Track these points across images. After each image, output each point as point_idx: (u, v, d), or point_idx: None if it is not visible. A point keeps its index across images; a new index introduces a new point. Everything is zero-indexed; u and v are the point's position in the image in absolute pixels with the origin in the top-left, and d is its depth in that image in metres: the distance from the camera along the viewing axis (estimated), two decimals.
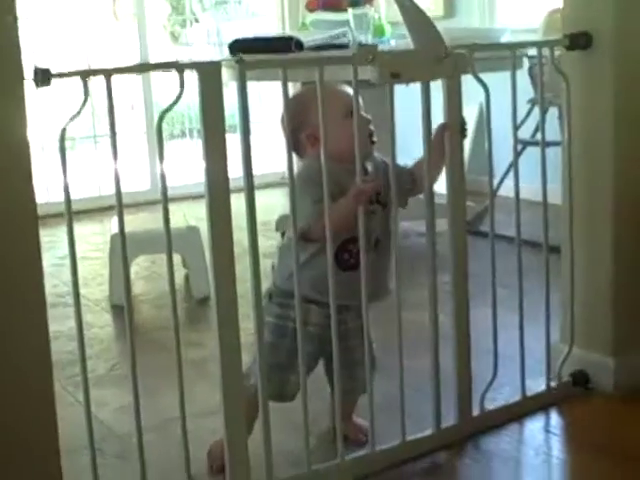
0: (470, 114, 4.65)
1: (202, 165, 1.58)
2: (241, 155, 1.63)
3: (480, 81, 1.93)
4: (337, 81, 1.83)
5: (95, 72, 1.49)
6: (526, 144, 3.75)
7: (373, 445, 1.84)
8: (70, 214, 1.50)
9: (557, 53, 2.16)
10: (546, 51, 2.10)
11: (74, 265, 1.53)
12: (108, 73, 1.47)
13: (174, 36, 8.46)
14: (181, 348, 2.54)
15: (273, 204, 4.21)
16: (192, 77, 1.55)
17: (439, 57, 1.75)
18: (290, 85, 4.25)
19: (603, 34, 2.05)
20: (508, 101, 2.08)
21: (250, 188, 1.63)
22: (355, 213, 1.73)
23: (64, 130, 1.45)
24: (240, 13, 6.74)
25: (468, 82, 2.03)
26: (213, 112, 1.56)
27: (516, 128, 2.07)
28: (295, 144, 1.84)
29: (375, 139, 1.84)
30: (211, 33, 7.72)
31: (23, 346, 1.49)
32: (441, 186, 1.91)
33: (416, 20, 1.79)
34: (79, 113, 1.43)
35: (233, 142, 1.61)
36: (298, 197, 1.71)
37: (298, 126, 1.80)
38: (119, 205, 1.55)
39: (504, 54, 2.12)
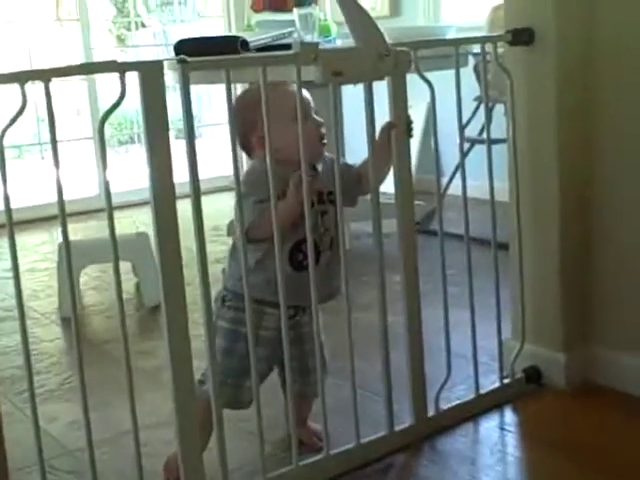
0: (418, 113, 4.70)
1: (146, 170, 1.55)
2: (187, 159, 1.60)
3: (424, 79, 1.93)
4: (288, 81, 1.81)
5: (32, 74, 1.44)
6: (474, 142, 3.78)
7: (328, 449, 1.82)
8: (11, 225, 1.45)
9: (501, 50, 2.17)
10: (490, 47, 2.10)
11: (17, 278, 1.49)
12: (46, 75, 1.42)
13: (120, 39, 8.36)
14: (133, 358, 2.50)
15: (223, 208, 4.16)
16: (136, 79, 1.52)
17: (381, 55, 1.73)
18: (238, 86, 4.26)
19: (545, 29, 2.06)
20: (455, 99, 2.08)
21: (196, 192, 1.60)
22: (298, 205, 1.71)
23: (1, 138, 1.41)
24: (186, 15, 6.69)
25: (416, 81, 2.04)
26: (156, 114, 1.52)
27: (462, 126, 2.08)
28: (246, 146, 1.84)
29: (325, 141, 1.83)
30: (157, 35, 7.65)
31: None
32: (390, 186, 1.90)
33: (357, 18, 1.77)
34: (14, 120, 1.39)
35: (182, 147, 1.59)
36: (243, 199, 1.69)
37: (248, 128, 1.78)
38: (61, 213, 1.51)
39: (449, 52, 2.13)
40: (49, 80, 1.43)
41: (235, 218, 1.75)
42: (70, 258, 1.54)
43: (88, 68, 1.48)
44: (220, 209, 4.18)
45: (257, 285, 1.74)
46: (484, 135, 3.64)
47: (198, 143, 1.63)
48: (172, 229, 1.58)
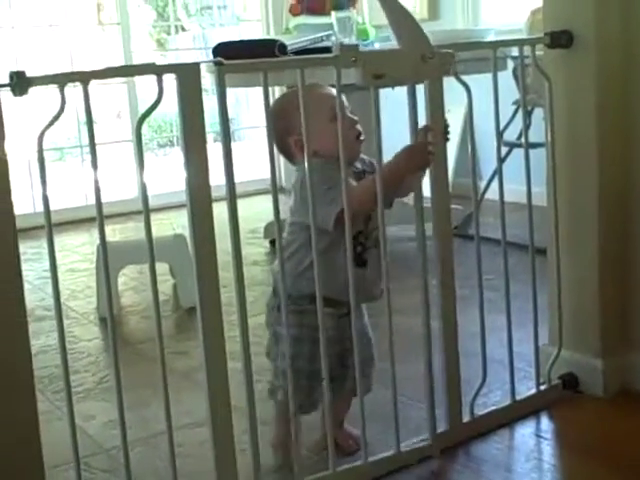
0: (457, 117, 4.67)
1: (183, 173, 1.57)
2: (223, 161, 1.61)
3: (461, 82, 1.91)
4: (323, 84, 1.82)
5: (71, 76, 1.46)
6: (512, 146, 3.74)
7: (366, 456, 1.81)
8: (50, 225, 1.47)
9: (540, 53, 2.16)
10: (528, 50, 2.08)
11: (55, 278, 1.51)
12: (85, 77, 1.44)
13: (160, 43, 8.44)
14: (169, 359, 2.53)
15: (260, 212, 4.19)
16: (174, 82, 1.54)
17: (424, 57, 1.71)
18: (277, 89, 4.28)
19: (584, 32, 2.04)
20: (493, 104, 2.06)
21: (232, 194, 1.61)
22: (408, 171, 1.75)
23: (41, 139, 1.43)
24: (226, 18, 6.73)
25: (454, 84, 2.02)
26: (193, 116, 1.53)
27: (499, 130, 2.05)
28: (285, 150, 1.84)
29: (363, 137, 1.82)
30: (197, 39, 7.71)
31: (4, 363, 1.47)
32: (427, 189, 1.90)
33: (400, 19, 1.74)
34: (53, 122, 1.41)
35: (219, 149, 1.60)
36: (316, 198, 1.68)
37: (285, 131, 1.79)
38: (99, 215, 1.53)
39: (487, 55, 2.11)
40: (88, 82, 1.44)
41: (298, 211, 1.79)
42: (107, 259, 1.55)
43: (126, 70, 1.49)
44: (258, 212, 4.21)
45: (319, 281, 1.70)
46: (522, 139, 3.65)
47: (236, 146, 1.64)
48: (208, 232, 1.58)
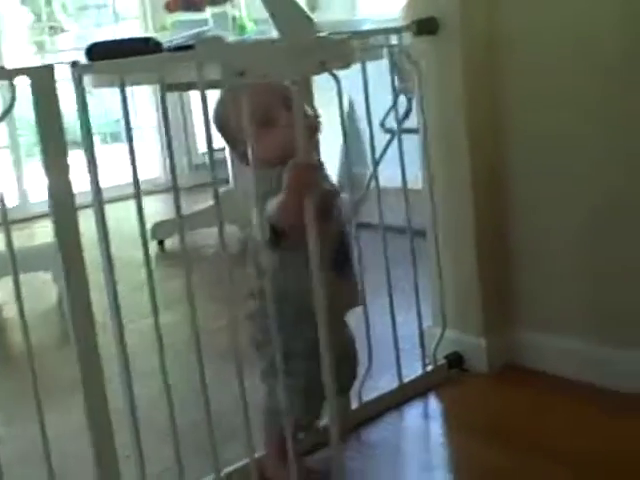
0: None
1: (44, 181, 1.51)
2: (87, 167, 1.56)
3: (332, 74, 1.90)
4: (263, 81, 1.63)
5: None
6: (393, 133, 3.79)
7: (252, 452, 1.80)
8: None
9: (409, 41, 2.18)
10: (396, 39, 2.10)
11: None
12: None
13: (41, 46, 8.17)
14: (57, 368, 2.47)
15: (148, 213, 4.10)
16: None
17: (307, 48, 1.55)
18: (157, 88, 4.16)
19: (450, 19, 2.08)
20: (374, 91, 2.08)
21: (99, 202, 1.57)
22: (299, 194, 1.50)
23: None
24: (107, 18, 6.57)
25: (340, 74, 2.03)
26: (49, 121, 1.47)
27: (370, 119, 2.05)
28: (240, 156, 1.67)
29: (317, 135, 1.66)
30: (79, 39, 7.51)
31: None
32: None
33: (278, 8, 1.63)
34: None
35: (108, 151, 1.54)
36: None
37: (232, 142, 1.67)
38: None
39: (364, 45, 2.11)
40: None
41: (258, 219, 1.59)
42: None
43: None
44: (146, 213, 4.11)
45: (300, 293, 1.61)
46: (404, 126, 3.69)
47: (121, 147, 1.60)
48: (74, 238, 1.53)
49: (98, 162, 1.57)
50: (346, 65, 1.56)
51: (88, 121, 1.56)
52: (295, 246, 1.57)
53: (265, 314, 1.66)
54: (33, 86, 1.46)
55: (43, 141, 1.48)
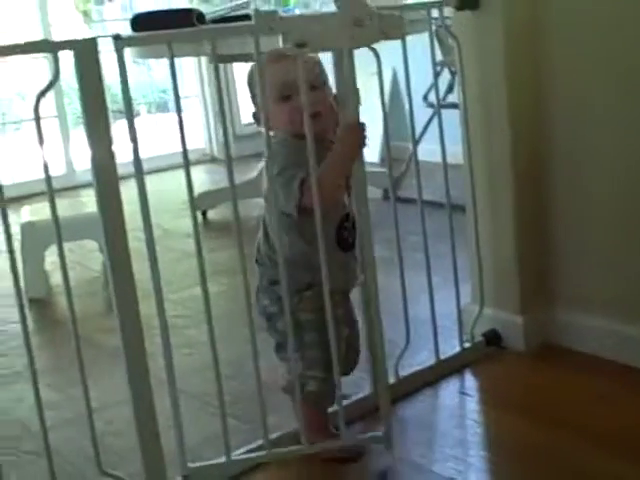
0: (385, 79, 4.65)
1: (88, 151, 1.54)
2: (129, 138, 1.59)
3: (372, 49, 1.89)
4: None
5: None
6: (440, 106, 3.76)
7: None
8: None
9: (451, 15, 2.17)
10: (437, 13, 2.09)
11: None
12: None
13: (87, 15, 8.22)
14: (98, 336, 2.53)
15: (194, 182, 4.14)
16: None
17: (359, 20, 1.55)
18: (203, 59, 4.18)
19: None
20: (419, 65, 2.07)
21: (140, 173, 1.59)
22: (353, 155, 1.63)
23: None
24: None
25: (381, 47, 2.00)
26: (93, 93, 1.49)
27: (410, 97, 2.03)
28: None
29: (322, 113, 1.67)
30: (125, 9, 7.54)
31: None
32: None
33: None
34: None
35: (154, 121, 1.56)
36: (279, 184, 1.62)
37: (252, 102, 1.74)
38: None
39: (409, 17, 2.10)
40: None
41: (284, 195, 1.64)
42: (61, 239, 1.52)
43: (19, 48, 1.45)
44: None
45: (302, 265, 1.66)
46: (447, 100, 3.66)
47: (170, 117, 1.61)
48: (116, 208, 1.56)
49: (143, 132, 1.58)
50: (401, 35, 1.64)
51: (129, 94, 1.58)
52: (310, 213, 1.61)
53: (275, 281, 1.69)
54: (76, 59, 1.48)
55: (86, 113, 1.51)
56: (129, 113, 1.57)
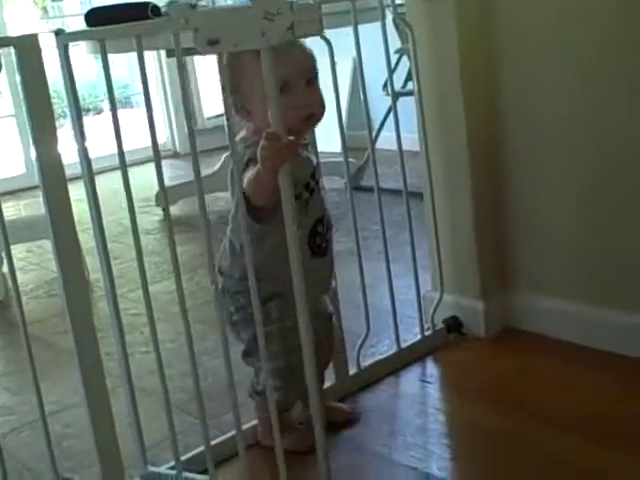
0: (345, 68, 4.65)
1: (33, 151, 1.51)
2: (74, 135, 1.56)
3: (324, 38, 1.87)
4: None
5: None
6: (398, 95, 3.75)
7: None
8: None
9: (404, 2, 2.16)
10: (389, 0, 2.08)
11: None
12: None
13: (46, 11, 8.11)
14: (56, 338, 2.49)
15: (153, 179, 4.11)
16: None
17: (269, 14, 1.34)
18: (154, 53, 4.11)
19: None
20: (377, 53, 2.06)
21: (89, 172, 1.57)
22: (271, 172, 1.39)
23: None
24: None
25: (340, 35, 2.00)
26: (36, 91, 1.46)
27: (364, 84, 2.02)
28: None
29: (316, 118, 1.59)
30: (84, 4, 7.45)
31: None
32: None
33: None
34: None
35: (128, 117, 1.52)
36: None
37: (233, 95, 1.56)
38: None
39: (361, 5, 2.09)
40: None
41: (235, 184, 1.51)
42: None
43: None
44: (148, 180, 4.13)
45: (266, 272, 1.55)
46: (408, 87, 3.65)
47: (130, 113, 1.58)
48: (65, 209, 1.53)
49: (106, 129, 1.54)
50: (316, 31, 1.45)
51: (75, 91, 1.56)
52: (272, 221, 1.52)
53: (238, 291, 1.63)
54: (18, 55, 1.45)
55: (31, 111, 1.47)
56: (77, 111, 1.55)
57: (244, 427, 1.70)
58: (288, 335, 1.61)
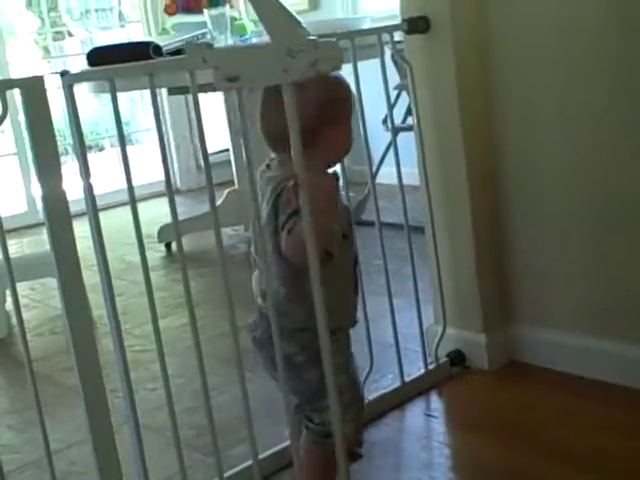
0: None
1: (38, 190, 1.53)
2: (80, 174, 1.58)
3: None
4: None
5: None
6: (398, 130, 3.79)
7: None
8: None
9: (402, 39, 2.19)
10: (388, 37, 2.10)
11: None
12: None
13: (47, 51, 8.20)
14: (60, 375, 2.49)
15: (155, 216, 4.13)
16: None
17: (292, 51, 1.34)
18: (163, 91, 4.15)
19: (440, 17, 2.08)
20: (376, 89, 2.09)
21: (94, 209, 1.59)
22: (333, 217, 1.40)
23: None
24: (112, 21, 6.60)
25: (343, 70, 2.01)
26: (42, 131, 1.48)
27: (364, 119, 2.04)
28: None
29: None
30: (85, 43, 7.54)
31: None
32: None
33: (264, 7, 1.51)
34: None
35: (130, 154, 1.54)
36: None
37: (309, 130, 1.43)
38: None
39: (363, 42, 2.12)
40: None
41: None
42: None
43: None
44: (151, 216, 4.15)
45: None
46: (407, 122, 3.69)
47: (131, 150, 1.60)
48: (70, 246, 1.55)
49: (109, 166, 1.56)
50: (338, 68, 1.47)
51: (80, 129, 1.58)
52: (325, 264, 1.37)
53: (305, 328, 1.50)
54: (24, 97, 1.47)
55: (36, 151, 1.50)
56: (82, 149, 1.57)
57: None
58: (349, 367, 1.59)
